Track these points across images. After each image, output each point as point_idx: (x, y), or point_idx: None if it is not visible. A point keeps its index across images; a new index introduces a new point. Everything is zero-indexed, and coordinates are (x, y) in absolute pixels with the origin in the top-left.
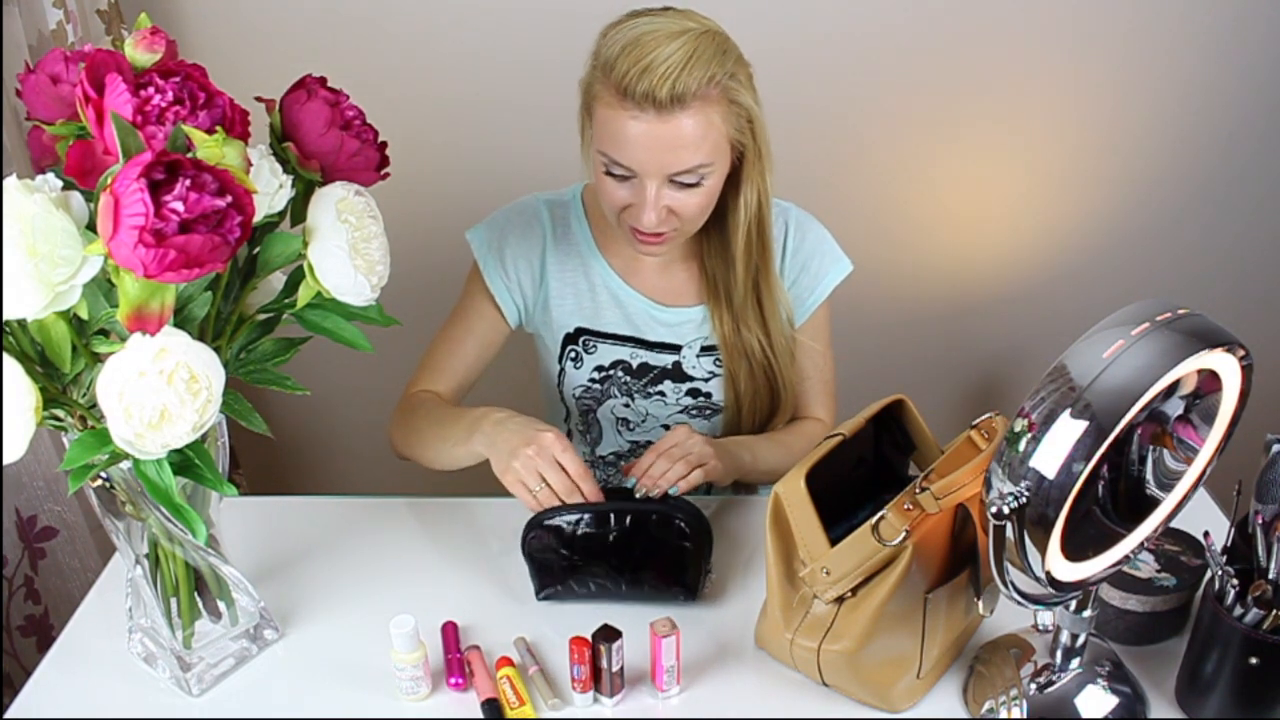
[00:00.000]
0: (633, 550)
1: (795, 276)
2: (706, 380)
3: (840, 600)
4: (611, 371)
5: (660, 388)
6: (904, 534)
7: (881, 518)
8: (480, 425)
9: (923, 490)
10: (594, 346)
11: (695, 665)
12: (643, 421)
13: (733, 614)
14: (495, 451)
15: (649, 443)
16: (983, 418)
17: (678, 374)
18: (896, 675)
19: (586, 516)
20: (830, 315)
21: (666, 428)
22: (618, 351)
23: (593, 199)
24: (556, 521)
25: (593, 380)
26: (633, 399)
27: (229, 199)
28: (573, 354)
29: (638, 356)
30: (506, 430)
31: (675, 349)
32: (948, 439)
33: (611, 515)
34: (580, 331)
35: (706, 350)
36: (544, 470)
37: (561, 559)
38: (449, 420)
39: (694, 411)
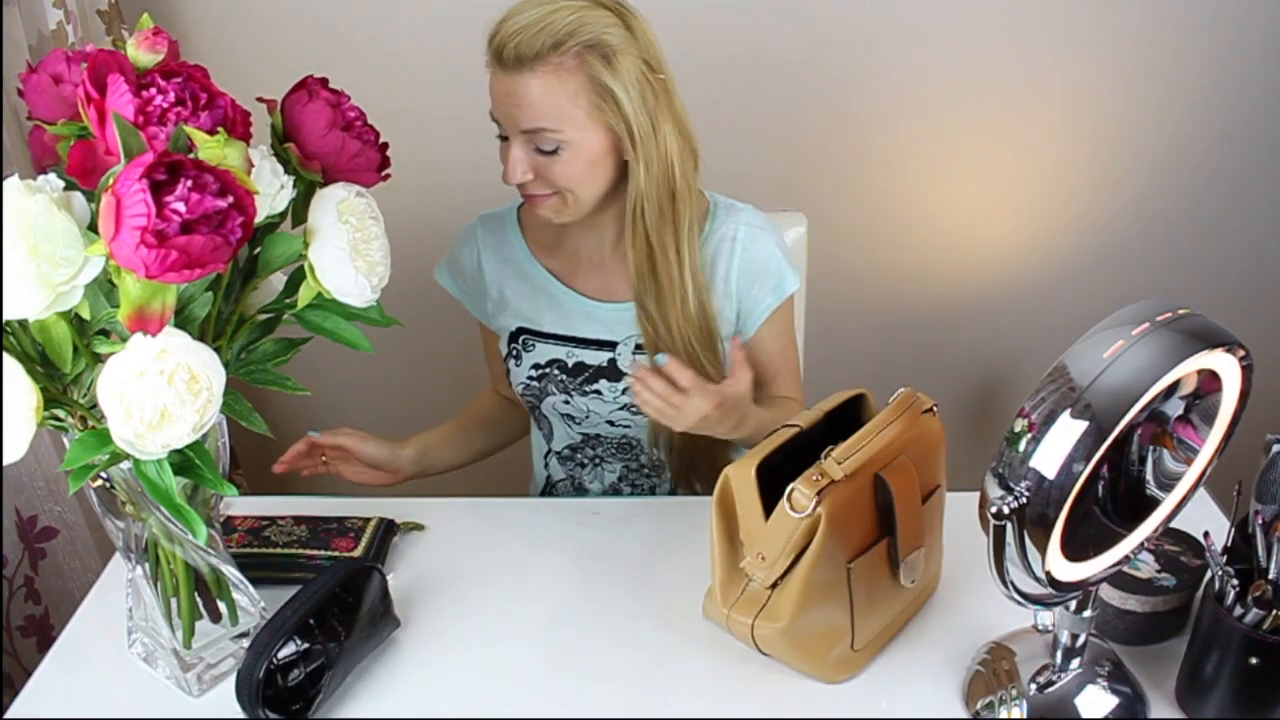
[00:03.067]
0: (337, 621)
1: (738, 295)
2: None
3: (774, 585)
4: (548, 370)
5: (596, 386)
6: (814, 502)
7: (793, 489)
8: None
9: (827, 458)
10: (531, 345)
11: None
12: (586, 417)
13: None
14: None
15: (598, 436)
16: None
17: (613, 373)
18: (828, 646)
19: (292, 646)
20: (789, 319)
21: (611, 423)
22: (554, 350)
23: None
24: (271, 664)
25: (531, 378)
26: (571, 396)
27: (230, 199)
28: (514, 352)
29: (574, 356)
30: None
31: (610, 345)
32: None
33: (309, 622)
34: (520, 331)
35: (640, 349)
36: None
37: (295, 688)
38: None
39: (633, 409)
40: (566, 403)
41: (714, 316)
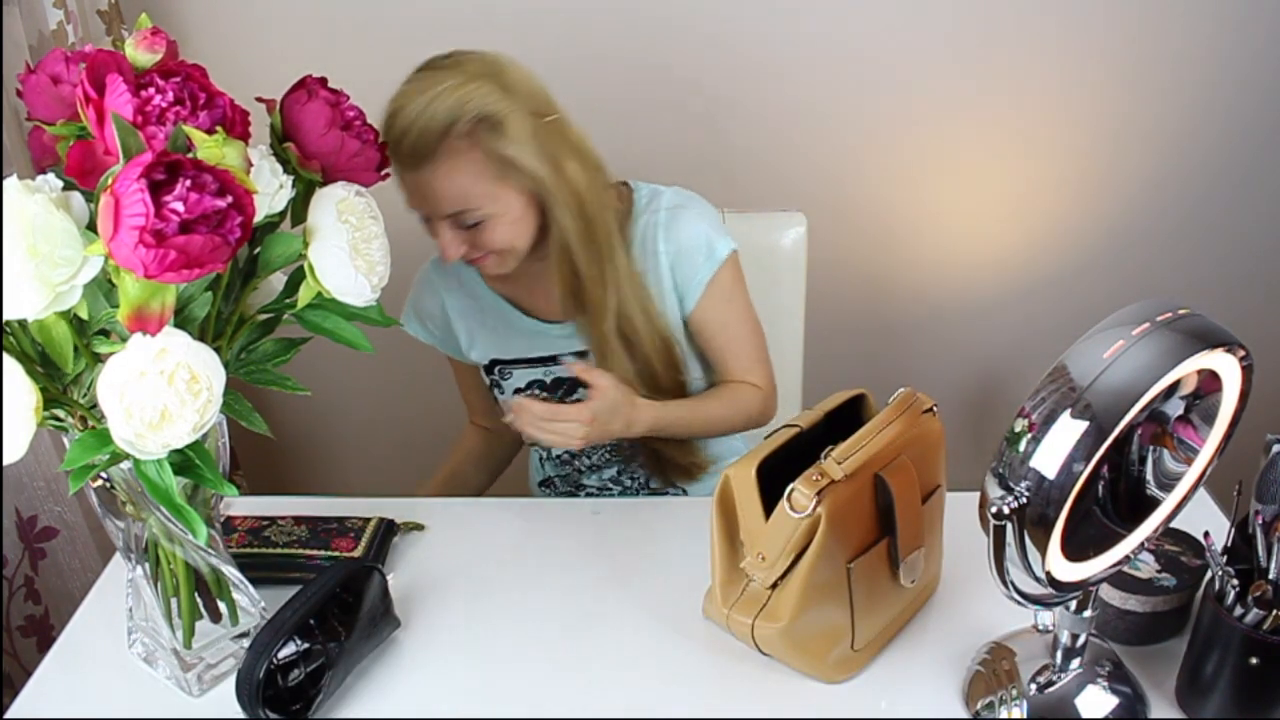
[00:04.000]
0: (338, 622)
1: (669, 272)
2: None
3: (774, 585)
4: (529, 392)
5: (577, 395)
6: (814, 502)
7: (793, 489)
8: None
9: (827, 458)
10: (508, 373)
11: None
12: None
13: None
14: None
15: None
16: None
17: None
18: (828, 646)
19: (292, 646)
20: (730, 289)
21: None
22: (530, 374)
23: None
24: (271, 664)
25: None
26: None
27: (229, 199)
28: (494, 382)
29: (551, 373)
30: None
31: (581, 355)
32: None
33: (309, 622)
34: (494, 363)
35: None
36: None
37: (295, 688)
38: None
39: None
40: None
41: (657, 315)
